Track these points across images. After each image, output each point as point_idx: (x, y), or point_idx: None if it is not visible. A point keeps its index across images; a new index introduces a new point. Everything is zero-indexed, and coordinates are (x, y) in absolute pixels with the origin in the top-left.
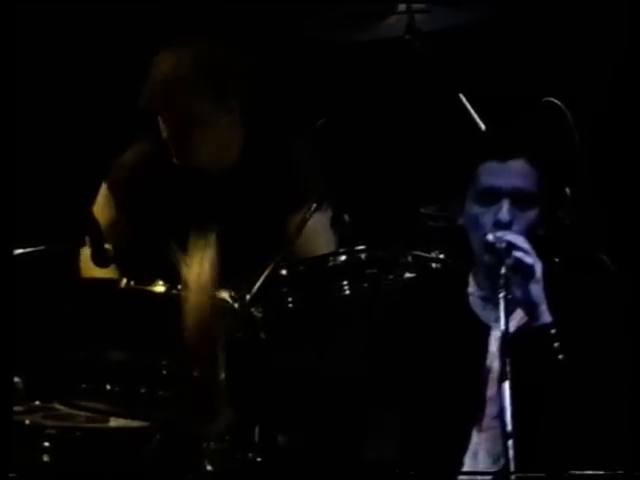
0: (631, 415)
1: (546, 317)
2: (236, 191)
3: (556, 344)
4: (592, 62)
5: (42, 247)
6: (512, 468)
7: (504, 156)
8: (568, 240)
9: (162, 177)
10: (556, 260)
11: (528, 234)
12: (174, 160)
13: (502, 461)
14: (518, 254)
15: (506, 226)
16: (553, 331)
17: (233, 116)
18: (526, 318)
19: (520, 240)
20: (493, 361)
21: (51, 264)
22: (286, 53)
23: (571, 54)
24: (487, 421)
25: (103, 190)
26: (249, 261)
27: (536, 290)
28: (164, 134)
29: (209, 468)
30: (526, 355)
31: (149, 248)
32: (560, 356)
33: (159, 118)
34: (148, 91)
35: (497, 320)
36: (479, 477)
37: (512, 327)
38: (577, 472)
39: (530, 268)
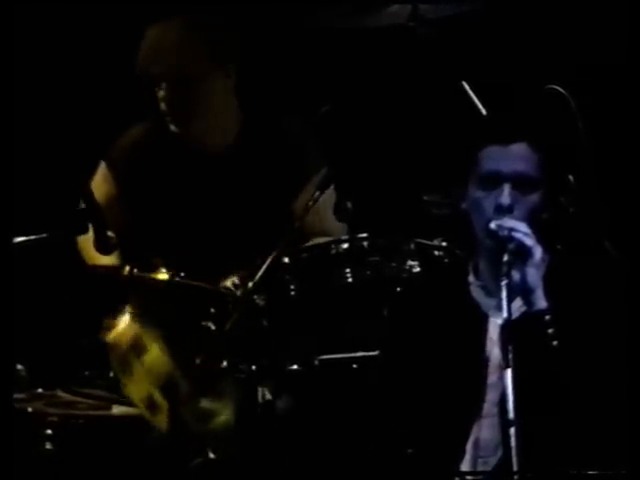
0: (631, 409)
1: (541, 303)
2: (236, 171)
3: (550, 330)
4: (595, 50)
5: (44, 235)
6: (514, 457)
7: (505, 140)
8: (571, 226)
9: (163, 156)
10: (559, 247)
11: (530, 218)
12: (172, 128)
13: (501, 449)
14: (518, 235)
15: (507, 210)
16: (548, 317)
17: (228, 82)
18: (523, 309)
19: (522, 226)
20: (492, 348)
21: (53, 252)
22: (289, 39)
23: (575, 41)
24: (487, 408)
25: (102, 167)
26: (253, 243)
27: (533, 275)
28: (161, 104)
29: (212, 456)
30: (522, 342)
31: (148, 227)
32: (554, 342)
33: (156, 89)
34: (142, 57)
35: (497, 308)
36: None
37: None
38: (578, 472)
39: (529, 250)
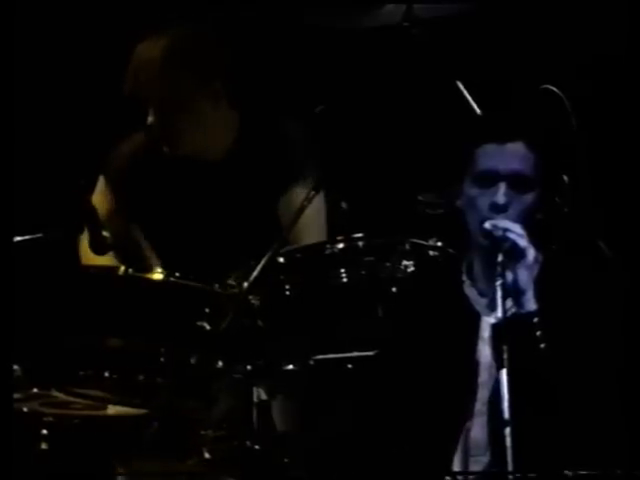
0: (629, 412)
1: (531, 305)
2: (232, 176)
3: (539, 333)
4: (591, 49)
5: (40, 234)
6: (509, 457)
7: (502, 138)
8: (566, 226)
9: (158, 166)
10: (553, 247)
11: (525, 218)
12: (164, 149)
13: (490, 449)
14: (512, 236)
15: (502, 209)
16: (536, 319)
17: (217, 100)
18: (513, 309)
19: (516, 227)
20: (483, 347)
21: (49, 251)
22: (285, 39)
23: (569, 40)
24: (478, 407)
25: (101, 182)
26: (245, 247)
27: (524, 276)
28: (149, 121)
29: (207, 456)
30: (511, 343)
31: (145, 230)
32: (542, 345)
33: (145, 110)
34: (129, 77)
35: (489, 307)
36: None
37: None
38: (574, 472)
39: (522, 251)
